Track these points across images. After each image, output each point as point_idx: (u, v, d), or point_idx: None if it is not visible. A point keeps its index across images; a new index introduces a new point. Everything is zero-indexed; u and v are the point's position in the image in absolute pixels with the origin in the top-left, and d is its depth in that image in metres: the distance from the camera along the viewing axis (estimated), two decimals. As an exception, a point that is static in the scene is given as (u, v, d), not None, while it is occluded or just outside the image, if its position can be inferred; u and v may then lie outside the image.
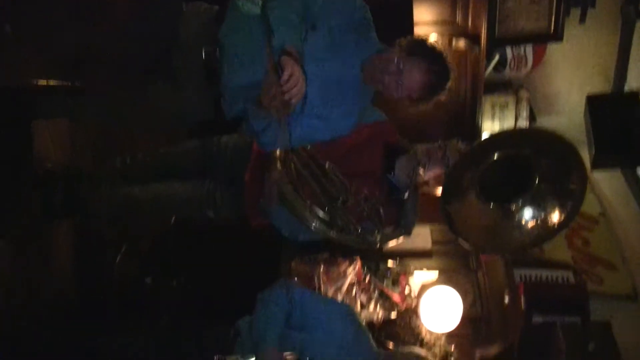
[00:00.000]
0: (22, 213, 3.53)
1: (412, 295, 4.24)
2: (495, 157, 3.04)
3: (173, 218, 4.01)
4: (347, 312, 3.18)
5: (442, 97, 3.03)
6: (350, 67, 3.03)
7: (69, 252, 3.96)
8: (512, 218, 3.08)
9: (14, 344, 3.38)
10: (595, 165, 3.88)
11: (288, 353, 3.04)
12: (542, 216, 3.04)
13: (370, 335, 3.20)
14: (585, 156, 3.11)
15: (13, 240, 3.47)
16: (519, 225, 3.06)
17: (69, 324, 3.79)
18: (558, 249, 4.08)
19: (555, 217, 3.03)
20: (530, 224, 3.06)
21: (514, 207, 3.04)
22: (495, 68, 4.61)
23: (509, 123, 4.61)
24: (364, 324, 3.65)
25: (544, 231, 3.07)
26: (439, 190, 3.31)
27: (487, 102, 4.57)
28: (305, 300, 3.15)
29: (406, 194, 3.33)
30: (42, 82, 2.98)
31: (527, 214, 3.05)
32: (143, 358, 3.39)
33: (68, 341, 3.56)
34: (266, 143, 3.05)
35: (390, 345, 4.07)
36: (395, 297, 4.25)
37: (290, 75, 2.67)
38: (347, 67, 3.02)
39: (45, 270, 3.77)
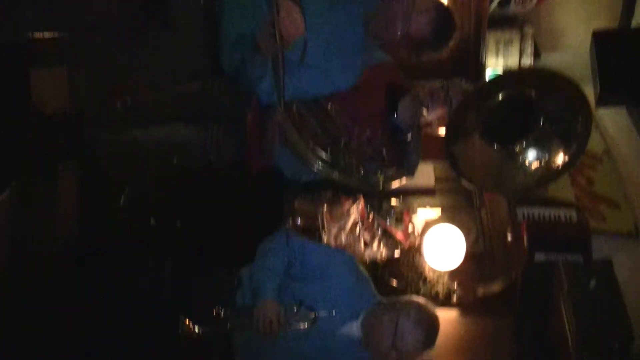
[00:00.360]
0: (25, 161, 3.52)
1: (416, 233, 4.26)
2: (499, 98, 3.02)
3: (175, 159, 3.99)
4: (347, 261, 3.15)
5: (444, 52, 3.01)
6: (353, 22, 3.00)
7: (73, 197, 3.97)
8: (516, 159, 3.08)
9: (22, 292, 3.41)
10: (600, 103, 3.82)
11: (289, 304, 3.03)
12: (547, 157, 3.04)
13: (372, 284, 3.19)
14: (590, 93, 3.06)
15: (17, 188, 3.47)
16: (523, 167, 3.06)
17: (75, 269, 3.81)
18: (561, 188, 4.06)
19: (560, 158, 3.03)
20: (534, 165, 3.05)
21: (518, 149, 3.04)
22: (499, 3, 4.53)
23: (513, 59, 4.55)
24: (366, 267, 3.69)
25: (548, 172, 3.07)
26: (442, 131, 3.30)
27: (491, 39, 4.50)
28: (305, 251, 3.11)
29: (409, 136, 3.32)
30: (39, 35, 2.94)
31: (531, 155, 3.05)
32: (144, 304, 3.39)
33: (74, 286, 3.59)
34: (263, 91, 3.02)
35: (394, 283, 4.12)
36: (399, 235, 4.27)
37: (288, 13, 2.65)
38: (350, 21, 2.99)
39: (51, 216, 3.78)
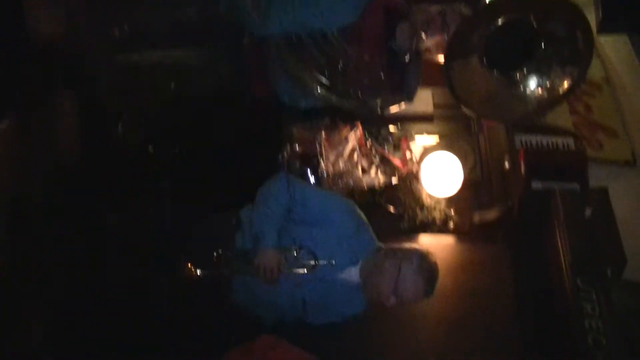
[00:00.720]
0: (24, 88, 3.49)
1: (413, 159, 4.26)
2: (499, 23, 2.98)
3: (172, 84, 3.96)
4: (348, 207, 3.11)
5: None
6: None
7: (72, 123, 3.95)
8: (516, 86, 3.06)
9: (22, 219, 3.42)
10: (602, 29, 3.80)
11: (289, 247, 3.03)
12: (546, 84, 3.03)
13: (371, 229, 3.17)
14: (592, 20, 3.03)
15: (16, 117, 3.45)
16: (523, 94, 3.05)
17: (75, 196, 3.82)
18: (559, 115, 4.05)
19: (560, 85, 3.01)
20: (534, 93, 3.04)
21: (517, 76, 3.02)
22: None
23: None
24: (363, 193, 3.70)
25: (548, 99, 3.06)
26: (441, 58, 3.28)
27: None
28: (306, 196, 3.07)
29: (407, 57, 3.28)
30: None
31: (532, 82, 3.03)
32: (143, 239, 3.37)
33: (75, 213, 3.59)
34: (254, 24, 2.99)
35: (392, 209, 4.14)
36: (397, 161, 4.27)
37: None
38: None
39: (50, 143, 3.77)
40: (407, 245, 3.05)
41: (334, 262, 3.00)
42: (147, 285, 3.29)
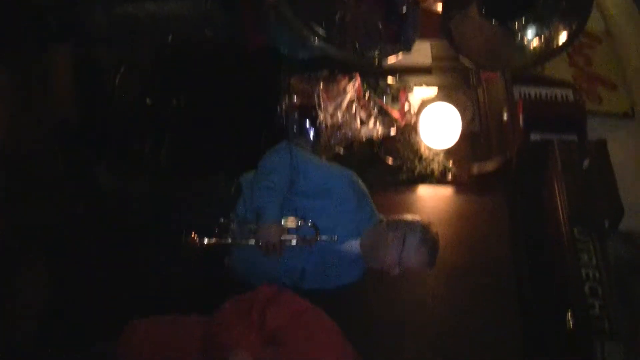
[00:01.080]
0: (19, 42, 3.45)
1: (412, 111, 4.26)
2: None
3: (170, 37, 3.93)
4: (350, 180, 3.08)
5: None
6: None
7: (68, 77, 3.92)
8: (514, 37, 3.04)
9: (19, 169, 3.41)
10: (603, -20, 3.78)
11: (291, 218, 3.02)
12: (545, 35, 3.00)
13: (371, 201, 3.15)
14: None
15: (12, 70, 3.42)
16: (522, 44, 3.03)
17: (73, 150, 3.82)
18: (559, 67, 4.03)
19: (559, 36, 2.99)
20: (533, 43, 3.02)
21: (516, 26, 2.99)
22: None
23: None
24: (362, 145, 3.69)
25: (547, 50, 3.04)
26: (440, 7, 3.25)
27: None
28: (309, 168, 3.03)
29: (404, 8, 3.25)
30: None
31: (530, 32, 3.01)
32: (142, 206, 3.35)
33: (72, 166, 3.58)
34: None
35: (390, 161, 4.15)
36: (395, 113, 4.27)
37: None
38: None
39: (47, 96, 3.75)
40: (409, 216, 3.04)
41: (335, 237, 3.00)
42: (146, 250, 3.29)
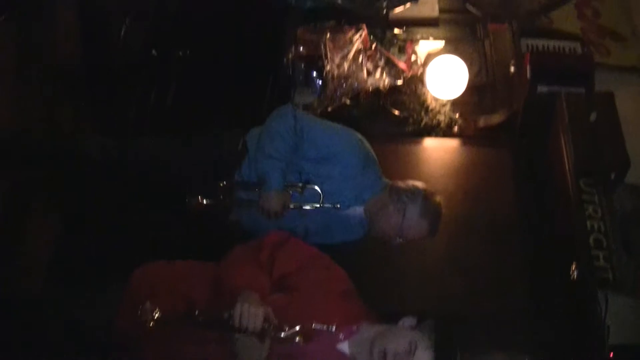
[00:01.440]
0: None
1: (418, 63, 4.25)
2: None
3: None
4: (356, 144, 3.01)
5: None
6: None
7: (74, 27, 3.89)
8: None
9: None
10: None
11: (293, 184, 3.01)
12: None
13: (378, 165, 3.11)
14: None
15: (15, 17, 3.39)
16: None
17: (74, 100, 3.80)
18: (567, 20, 4.02)
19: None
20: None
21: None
22: None
23: None
24: (368, 95, 3.66)
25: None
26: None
27: None
28: (313, 133, 3.00)
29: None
30: None
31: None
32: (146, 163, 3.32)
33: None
34: None
35: (396, 112, 4.14)
36: (401, 64, 4.26)
37: None
38: None
39: (52, 43, 3.72)
40: (412, 184, 3.01)
41: (339, 205, 3.00)
42: (149, 207, 3.31)
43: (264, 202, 2.94)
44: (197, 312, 2.37)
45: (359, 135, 3.13)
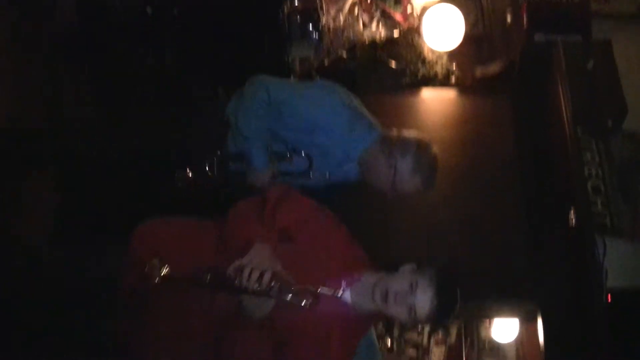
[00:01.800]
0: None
1: (414, 14, 4.22)
2: None
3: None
4: (336, 106, 2.96)
5: None
6: None
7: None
8: None
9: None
10: None
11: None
12: None
13: (368, 118, 3.03)
14: None
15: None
16: None
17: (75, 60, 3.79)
18: (565, -34, 3.98)
19: None
20: None
21: None
22: None
23: None
24: (364, 48, 3.63)
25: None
26: None
27: None
28: (290, 105, 2.93)
29: None
30: None
31: None
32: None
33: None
34: None
35: (393, 64, 4.13)
36: (398, 16, 4.23)
37: None
38: None
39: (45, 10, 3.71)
40: (407, 134, 2.98)
41: (328, 175, 3.01)
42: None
43: (252, 181, 2.96)
44: (204, 273, 2.37)
45: (341, 91, 3.08)
